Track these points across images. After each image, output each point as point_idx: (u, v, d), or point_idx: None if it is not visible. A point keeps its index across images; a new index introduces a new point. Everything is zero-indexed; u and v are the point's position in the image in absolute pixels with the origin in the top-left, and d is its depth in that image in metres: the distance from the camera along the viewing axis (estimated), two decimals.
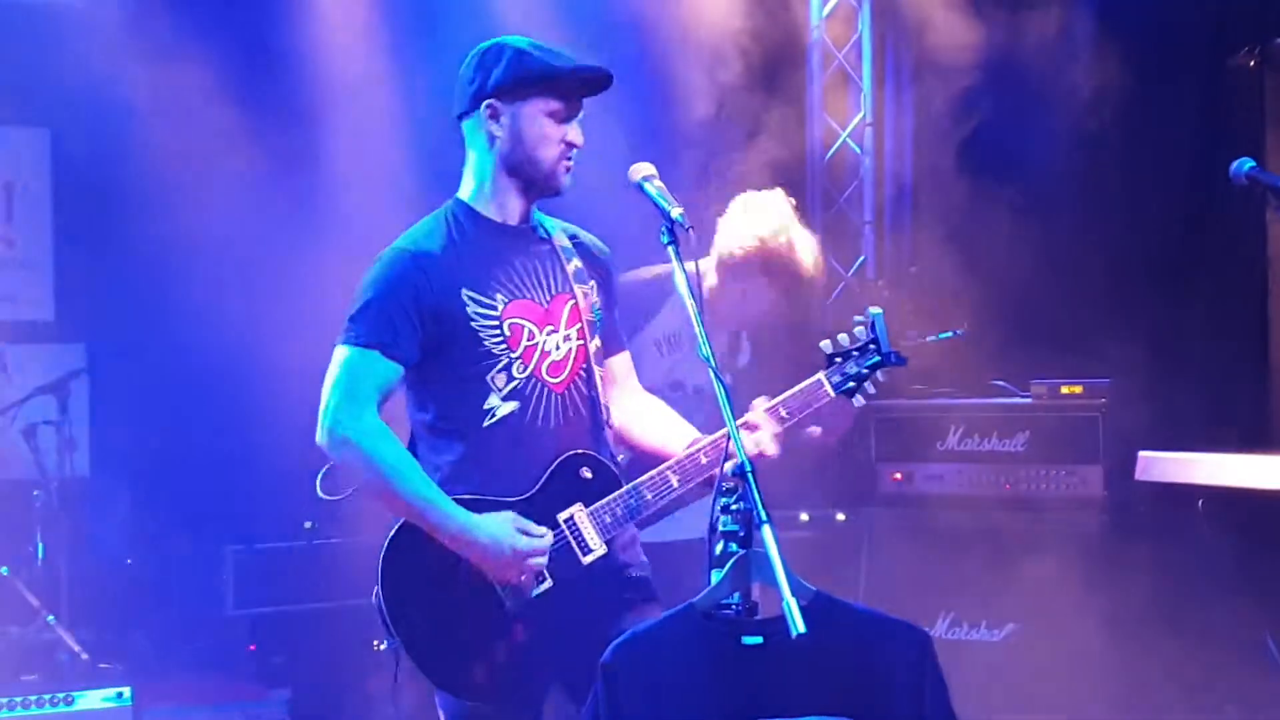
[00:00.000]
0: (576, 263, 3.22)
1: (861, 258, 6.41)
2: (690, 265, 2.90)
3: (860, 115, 6.50)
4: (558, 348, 3.14)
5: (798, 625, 2.48)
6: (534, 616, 3.06)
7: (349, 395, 3.02)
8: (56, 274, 7.20)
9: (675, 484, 3.13)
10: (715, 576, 2.68)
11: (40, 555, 6.19)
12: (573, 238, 3.25)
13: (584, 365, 3.17)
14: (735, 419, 2.78)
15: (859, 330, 3.26)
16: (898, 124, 6.54)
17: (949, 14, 5.72)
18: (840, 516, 5.41)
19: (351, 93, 6.17)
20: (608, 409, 3.24)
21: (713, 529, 2.70)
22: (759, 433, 3.18)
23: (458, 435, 3.10)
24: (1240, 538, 4.46)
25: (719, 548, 2.69)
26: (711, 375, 2.81)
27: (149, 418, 6.64)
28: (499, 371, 3.08)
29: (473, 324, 3.07)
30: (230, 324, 6.12)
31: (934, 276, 5.48)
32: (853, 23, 6.50)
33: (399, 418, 3.19)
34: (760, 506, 2.61)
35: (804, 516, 5.38)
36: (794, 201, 4.26)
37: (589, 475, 3.11)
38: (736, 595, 2.68)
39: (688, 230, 2.94)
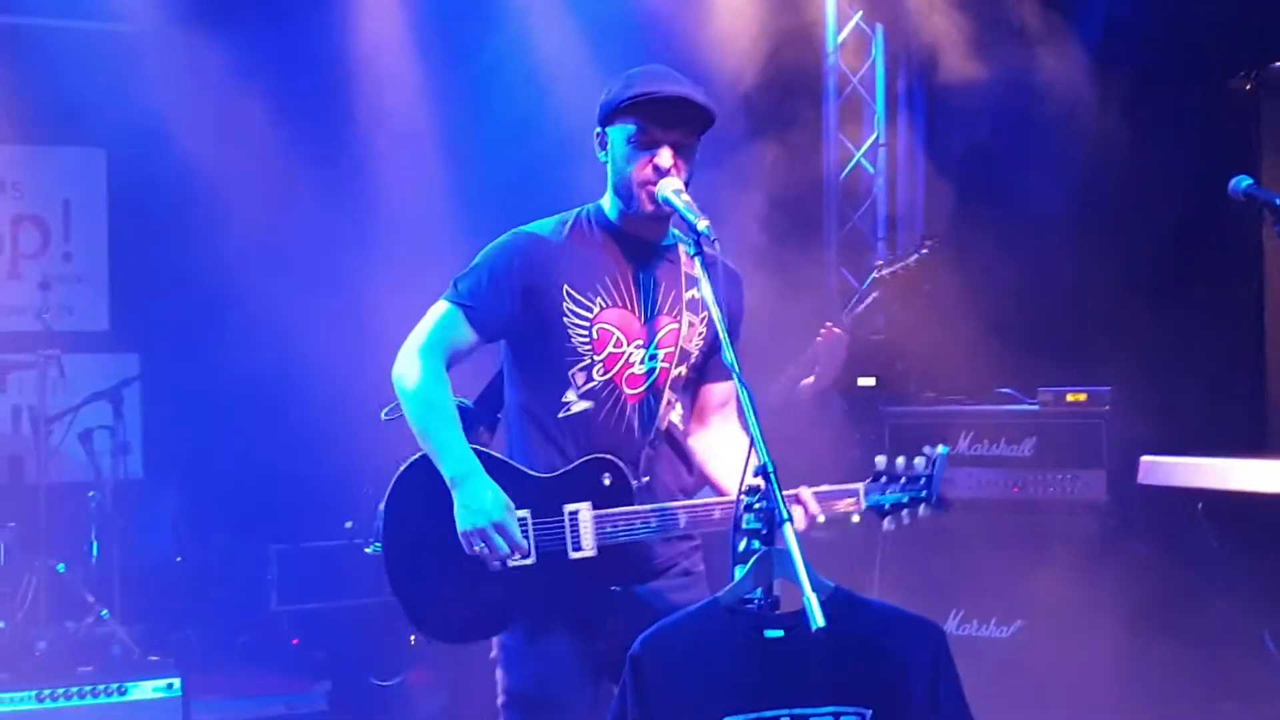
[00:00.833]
0: (696, 292, 3.20)
1: (874, 273, 6.53)
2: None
3: (874, 136, 6.68)
4: (642, 363, 3.19)
5: (818, 619, 2.52)
6: (506, 581, 3.10)
7: (424, 340, 3.17)
8: (111, 287, 7.42)
9: (682, 524, 3.15)
10: (739, 572, 2.72)
11: (95, 553, 6.35)
12: (709, 265, 3.10)
13: (661, 386, 3.20)
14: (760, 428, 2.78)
15: (918, 461, 3.21)
16: (909, 144, 6.67)
17: (958, 40, 5.86)
18: (856, 518, 5.51)
19: (399, 112, 6.31)
20: (682, 430, 3.29)
21: (736, 526, 2.75)
22: (795, 507, 3.13)
23: (537, 422, 3.20)
24: (1239, 539, 4.53)
25: (742, 544, 2.73)
26: (735, 381, 2.87)
27: (198, 423, 6.84)
28: (579, 370, 3.16)
29: (564, 319, 3.15)
30: (275, 334, 6.28)
31: (944, 291, 5.53)
32: (866, 49, 6.67)
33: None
34: (781, 505, 2.67)
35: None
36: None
37: (608, 482, 3.13)
38: (759, 590, 2.72)
39: (713, 241, 3.03)
